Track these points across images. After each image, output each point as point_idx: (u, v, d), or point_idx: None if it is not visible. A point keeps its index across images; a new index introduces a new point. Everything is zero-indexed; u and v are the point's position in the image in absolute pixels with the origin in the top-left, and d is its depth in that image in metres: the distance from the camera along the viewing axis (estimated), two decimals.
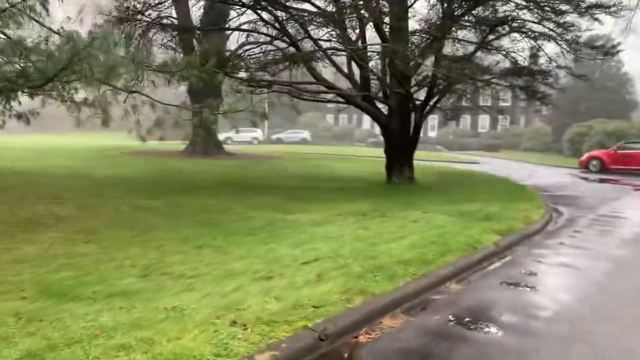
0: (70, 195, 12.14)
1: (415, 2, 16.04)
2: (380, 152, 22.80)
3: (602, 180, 20.77)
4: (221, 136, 54.53)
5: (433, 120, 59.33)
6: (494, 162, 33.16)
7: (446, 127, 56.43)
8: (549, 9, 15.94)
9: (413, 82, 16.03)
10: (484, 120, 58.19)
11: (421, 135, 59.80)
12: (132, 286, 5.11)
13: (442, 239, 7.41)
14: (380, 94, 16.73)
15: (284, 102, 27.42)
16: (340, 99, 16.45)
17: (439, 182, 17.64)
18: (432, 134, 59.63)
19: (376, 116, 16.32)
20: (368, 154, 36.70)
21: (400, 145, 16.24)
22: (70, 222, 8.87)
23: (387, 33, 15.49)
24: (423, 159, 32.54)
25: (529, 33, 15.81)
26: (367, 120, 65.28)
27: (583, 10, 15.94)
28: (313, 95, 17.26)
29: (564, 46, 15.87)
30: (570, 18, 16.19)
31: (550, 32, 15.59)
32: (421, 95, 17.05)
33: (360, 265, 5.97)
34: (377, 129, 64.67)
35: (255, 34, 17.40)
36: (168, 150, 31.48)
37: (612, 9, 16.11)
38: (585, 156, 25.99)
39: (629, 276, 6.63)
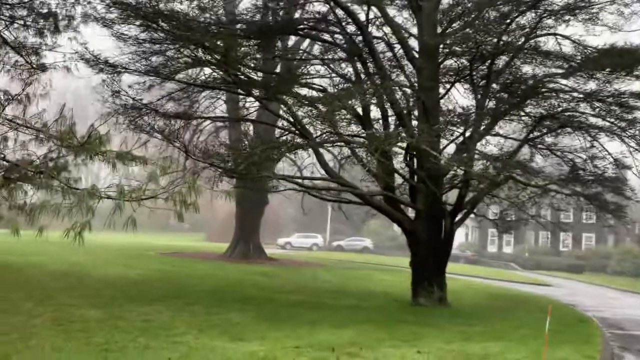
0: (14, 296, 10.52)
1: (448, 90, 13.92)
2: None
3: None
4: (281, 241, 53.74)
5: (509, 235, 54.81)
6: (570, 286, 28.67)
7: (523, 244, 51.63)
8: (613, 104, 13.26)
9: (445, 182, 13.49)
10: (567, 237, 52.82)
11: (495, 250, 55.04)
12: None
13: None
14: (407, 196, 14.24)
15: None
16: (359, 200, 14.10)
17: (481, 307, 14.35)
18: (508, 249, 54.69)
19: (400, 221, 13.74)
20: None
21: (428, 258, 13.39)
22: None
23: (415, 126, 13.38)
24: (483, 277, 28.84)
25: (586, 128, 13.05)
26: None
27: None
28: (331, 194, 15.14)
29: (632, 144, 12.88)
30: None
31: (612, 127, 12.75)
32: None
33: None
34: None
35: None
36: (210, 252, 30.07)
37: None
38: None
39: None
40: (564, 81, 13.79)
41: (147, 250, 29.66)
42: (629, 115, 12.92)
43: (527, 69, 14.21)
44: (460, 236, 59.50)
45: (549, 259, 47.46)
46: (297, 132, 12.87)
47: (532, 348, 8.14)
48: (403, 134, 12.62)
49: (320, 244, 54.51)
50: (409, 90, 13.84)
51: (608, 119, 13.01)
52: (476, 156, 13.63)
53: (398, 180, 14.87)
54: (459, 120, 13.15)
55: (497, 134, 14.37)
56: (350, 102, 12.17)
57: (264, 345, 7.58)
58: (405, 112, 13.49)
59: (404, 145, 13.29)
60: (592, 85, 13.56)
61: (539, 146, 14.26)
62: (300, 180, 13.06)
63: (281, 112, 14.03)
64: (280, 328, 9.07)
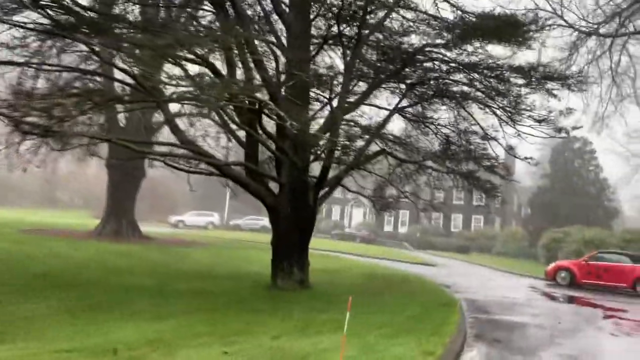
0: None
1: (318, 52, 12.52)
2: (328, 243, 18.80)
3: (568, 299, 16.44)
4: (173, 219, 50.85)
5: (404, 215, 55.78)
6: (454, 266, 28.90)
7: (417, 224, 52.54)
8: (492, 77, 12.52)
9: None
10: (458, 219, 54.68)
11: (391, 230, 55.43)
12: None
13: None
14: (273, 168, 12.80)
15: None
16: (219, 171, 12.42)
17: (349, 289, 13.24)
18: (403, 229, 55.61)
19: (260, 195, 12.26)
20: (319, 246, 32.27)
21: (290, 236, 12.06)
22: None
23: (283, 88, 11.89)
24: (371, 256, 28.40)
25: (457, 97, 12.21)
26: (336, 210, 61.56)
27: (535, 82, 12.54)
28: (192, 163, 13.33)
29: (503, 117, 12.23)
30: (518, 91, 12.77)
31: (484, 98, 11.98)
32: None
33: None
34: (347, 221, 61.05)
35: None
36: (81, 230, 27.16)
37: (570, 81, 12.73)
38: (552, 266, 21.66)
39: None
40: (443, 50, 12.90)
41: (10, 226, 26.19)
42: (502, 87, 12.21)
43: (405, 36, 13.11)
44: (358, 215, 59.93)
45: (440, 239, 48.59)
46: (139, 87, 10.85)
47: (371, 341, 6.97)
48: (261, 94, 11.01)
49: (216, 223, 52.30)
50: (277, 51, 12.30)
51: (482, 90, 12.23)
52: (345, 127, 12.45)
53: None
54: (316, 82, 11.55)
55: (369, 104, 13.20)
56: (200, 50, 10.39)
57: (25, 349, 5.81)
58: (275, 75, 11.96)
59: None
60: (472, 57, 12.77)
61: (413, 119, 13.30)
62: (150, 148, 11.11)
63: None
64: (83, 322, 7.35)
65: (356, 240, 46.76)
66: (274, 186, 13.07)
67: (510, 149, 12.99)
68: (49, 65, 12.41)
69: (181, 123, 24.48)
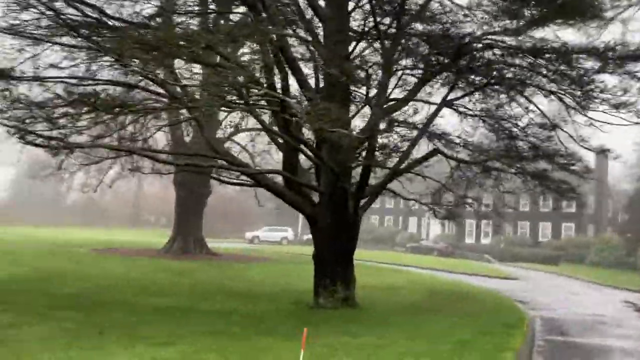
0: None
1: (357, 45, 11.44)
2: (401, 257, 17.60)
3: None
4: (249, 235, 51.20)
5: (487, 225, 52.62)
6: (538, 279, 26.38)
7: (501, 235, 49.29)
8: (560, 61, 10.83)
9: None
10: (546, 227, 50.74)
11: (472, 242, 52.27)
12: None
13: None
14: (313, 176, 11.79)
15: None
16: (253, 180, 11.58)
17: (402, 308, 11.90)
18: (486, 241, 52.39)
19: (299, 205, 11.26)
20: (390, 260, 30.88)
21: (331, 249, 10.95)
22: None
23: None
24: (446, 270, 26.51)
25: (517, 85, 10.59)
26: (413, 222, 59.43)
27: (612, 64, 10.69)
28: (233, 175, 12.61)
29: (571, 102, 10.44)
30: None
31: (544, 82, 10.30)
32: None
33: None
34: (424, 232, 58.69)
35: None
36: (151, 248, 27.42)
37: None
38: None
39: None
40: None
41: (84, 246, 26.93)
42: (572, 72, 10.47)
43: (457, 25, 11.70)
44: (436, 227, 57.34)
45: (527, 249, 45.22)
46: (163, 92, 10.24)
47: None
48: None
49: (290, 238, 52.17)
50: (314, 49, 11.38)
51: (546, 75, 10.55)
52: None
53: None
54: (350, 80, 10.24)
55: (417, 99, 11.81)
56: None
57: None
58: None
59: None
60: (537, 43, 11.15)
61: (468, 113, 11.80)
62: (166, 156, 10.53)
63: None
64: (81, 346, 6.65)
65: (433, 254, 44.59)
66: (317, 197, 12.09)
67: (582, 141, 11.09)
68: (94, 80, 12.16)
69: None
